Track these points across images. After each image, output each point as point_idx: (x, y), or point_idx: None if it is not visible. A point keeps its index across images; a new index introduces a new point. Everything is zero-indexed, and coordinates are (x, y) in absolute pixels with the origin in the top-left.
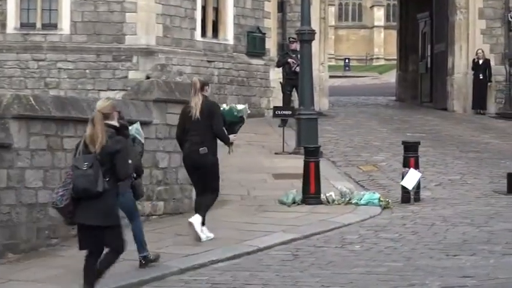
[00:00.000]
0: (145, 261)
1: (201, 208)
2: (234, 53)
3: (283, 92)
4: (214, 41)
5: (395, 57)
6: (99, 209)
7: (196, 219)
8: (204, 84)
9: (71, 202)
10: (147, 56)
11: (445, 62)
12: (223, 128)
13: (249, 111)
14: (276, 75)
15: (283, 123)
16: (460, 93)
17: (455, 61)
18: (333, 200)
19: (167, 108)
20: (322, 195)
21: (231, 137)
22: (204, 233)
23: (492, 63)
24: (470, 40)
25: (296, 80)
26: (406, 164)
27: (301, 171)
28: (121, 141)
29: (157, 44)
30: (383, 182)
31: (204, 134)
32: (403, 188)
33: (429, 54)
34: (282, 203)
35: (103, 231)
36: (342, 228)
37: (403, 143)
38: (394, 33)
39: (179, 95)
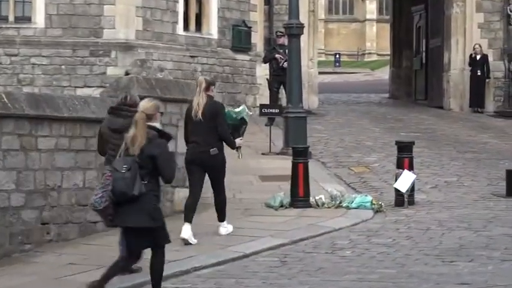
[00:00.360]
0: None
1: (222, 211)
2: (218, 48)
3: (270, 89)
4: (198, 35)
5: (389, 53)
6: (141, 211)
7: (185, 231)
8: (210, 84)
9: (110, 204)
10: (126, 51)
11: (440, 58)
12: (229, 132)
13: (250, 113)
14: (262, 71)
15: (270, 122)
16: (456, 91)
17: (452, 56)
18: (323, 204)
19: None
20: (311, 198)
21: (237, 140)
22: (227, 228)
23: (490, 58)
24: (467, 34)
25: (284, 76)
26: (399, 165)
27: (289, 172)
28: (161, 145)
29: (137, 39)
30: (375, 184)
31: (207, 135)
32: (397, 190)
33: (424, 49)
34: (269, 206)
35: (150, 232)
36: (332, 233)
37: (397, 143)
38: (387, 27)
39: (160, 92)
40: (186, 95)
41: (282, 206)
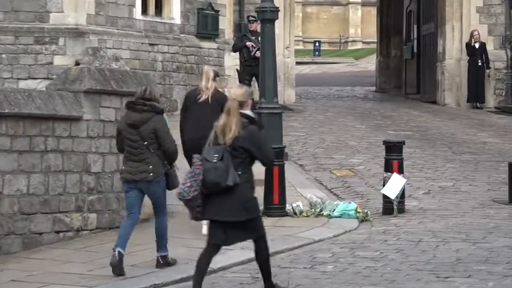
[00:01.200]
0: (164, 262)
1: None
2: (182, 35)
3: (240, 82)
4: (158, 19)
5: (375, 40)
6: (237, 204)
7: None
8: (216, 75)
9: (198, 195)
10: (76, 37)
11: (434, 46)
12: None
13: None
14: (232, 61)
15: None
16: (452, 83)
17: (447, 44)
18: (301, 212)
19: (101, 100)
20: (287, 205)
21: None
22: None
23: (490, 47)
24: (465, 20)
25: (256, 67)
26: (388, 168)
27: (262, 176)
28: (253, 132)
29: (89, 24)
30: (361, 190)
31: (210, 121)
32: (385, 196)
33: (415, 36)
34: None
35: (246, 224)
36: (311, 245)
37: (385, 142)
38: (373, 12)
39: (115, 85)
40: None
41: None
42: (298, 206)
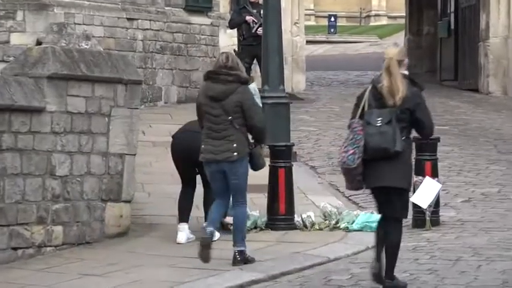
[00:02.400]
0: (241, 258)
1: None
2: (167, 8)
3: None
4: None
5: (403, 15)
6: (399, 170)
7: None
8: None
9: (361, 162)
10: (38, 11)
11: (476, 22)
12: None
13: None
14: (228, 40)
15: None
16: (498, 67)
17: (491, 20)
18: (313, 224)
19: (68, 88)
20: (296, 216)
21: None
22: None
23: None
24: None
25: (258, 47)
26: (419, 171)
27: (265, 181)
28: (417, 95)
29: None
30: None
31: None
32: (415, 205)
33: (453, 9)
34: None
35: (399, 196)
36: (325, 265)
37: (415, 139)
38: None
39: (86, 69)
40: (122, 73)
41: (255, 227)
42: (309, 217)
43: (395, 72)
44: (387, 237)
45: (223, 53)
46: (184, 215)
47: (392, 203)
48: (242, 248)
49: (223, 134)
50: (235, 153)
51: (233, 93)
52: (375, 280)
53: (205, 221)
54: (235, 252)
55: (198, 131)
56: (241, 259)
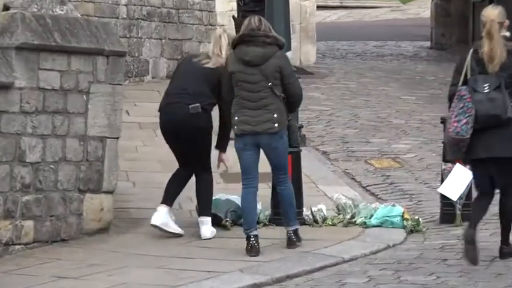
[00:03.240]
0: (297, 238)
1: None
2: None
3: (237, 33)
4: None
5: None
6: (511, 139)
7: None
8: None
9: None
10: None
11: None
12: None
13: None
14: (226, 5)
15: None
16: None
17: None
18: (324, 219)
19: (40, 60)
20: (305, 210)
21: None
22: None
23: None
24: None
25: (260, 12)
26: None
27: (269, 169)
28: None
29: None
30: (409, 188)
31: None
32: (444, 197)
33: None
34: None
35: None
36: (339, 266)
37: (444, 120)
38: None
39: (61, 39)
40: (103, 43)
41: (258, 222)
42: (320, 210)
43: (496, 37)
44: (505, 205)
45: (252, 16)
46: (167, 197)
47: (505, 171)
48: (297, 227)
49: (262, 102)
50: (276, 124)
51: (272, 57)
52: (469, 243)
53: (199, 214)
54: (289, 233)
55: (189, 93)
56: (297, 239)
